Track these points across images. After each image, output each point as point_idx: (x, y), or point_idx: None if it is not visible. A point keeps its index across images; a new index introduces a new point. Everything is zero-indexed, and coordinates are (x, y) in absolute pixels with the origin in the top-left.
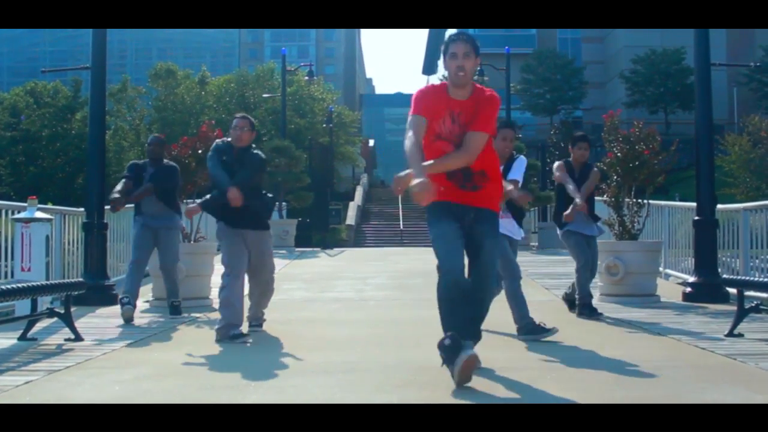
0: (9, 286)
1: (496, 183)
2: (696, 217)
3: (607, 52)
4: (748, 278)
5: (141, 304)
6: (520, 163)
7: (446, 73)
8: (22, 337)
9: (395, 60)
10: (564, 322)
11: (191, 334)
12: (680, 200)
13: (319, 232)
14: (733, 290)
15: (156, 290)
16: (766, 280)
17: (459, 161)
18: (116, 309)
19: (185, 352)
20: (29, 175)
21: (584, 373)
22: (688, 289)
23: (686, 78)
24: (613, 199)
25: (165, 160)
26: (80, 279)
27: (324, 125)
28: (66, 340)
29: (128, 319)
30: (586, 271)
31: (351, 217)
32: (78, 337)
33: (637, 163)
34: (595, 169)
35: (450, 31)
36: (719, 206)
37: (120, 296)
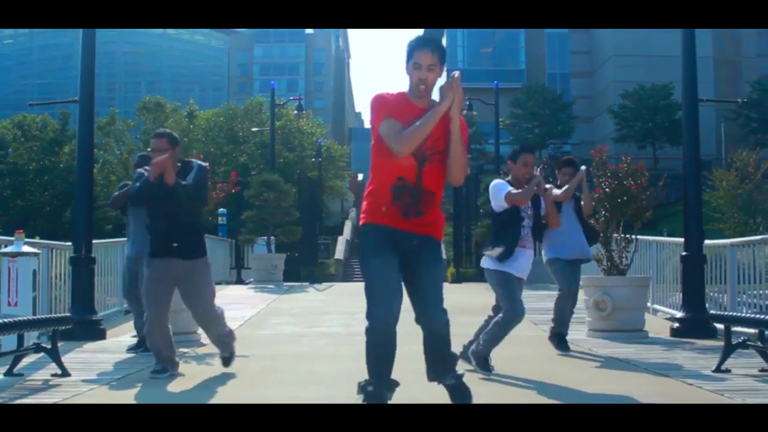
0: None
1: (439, 210)
2: (684, 253)
3: (595, 87)
4: (735, 314)
5: (129, 339)
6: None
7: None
8: (9, 373)
9: (384, 91)
10: (549, 359)
11: (180, 370)
12: (668, 235)
13: (307, 266)
14: (720, 326)
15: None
16: (752, 315)
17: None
18: (103, 344)
19: (173, 389)
20: (17, 209)
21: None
22: (676, 325)
23: (674, 113)
24: (601, 235)
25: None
26: (67, 314)
27: (313, 159)
28: (53, 375)
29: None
30: (566, 300)
31: (340, 252)
32: (65, 373)
33: (625, 198)
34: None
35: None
36: (707, 242)
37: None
